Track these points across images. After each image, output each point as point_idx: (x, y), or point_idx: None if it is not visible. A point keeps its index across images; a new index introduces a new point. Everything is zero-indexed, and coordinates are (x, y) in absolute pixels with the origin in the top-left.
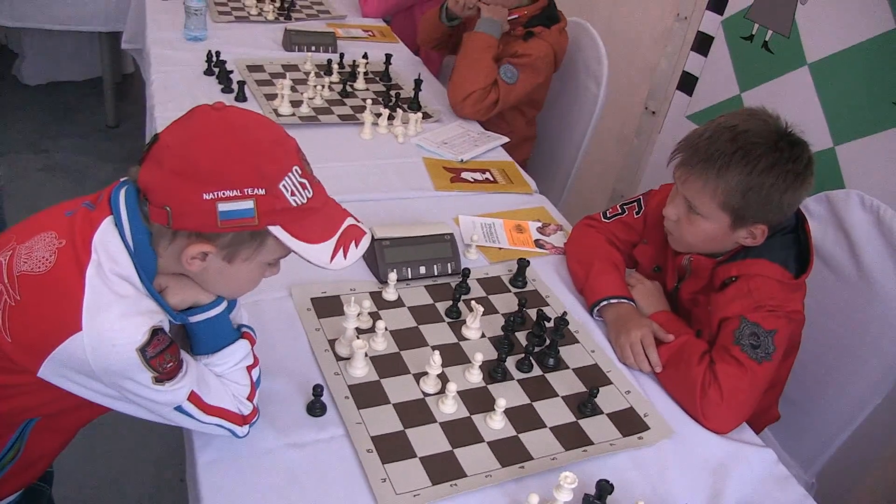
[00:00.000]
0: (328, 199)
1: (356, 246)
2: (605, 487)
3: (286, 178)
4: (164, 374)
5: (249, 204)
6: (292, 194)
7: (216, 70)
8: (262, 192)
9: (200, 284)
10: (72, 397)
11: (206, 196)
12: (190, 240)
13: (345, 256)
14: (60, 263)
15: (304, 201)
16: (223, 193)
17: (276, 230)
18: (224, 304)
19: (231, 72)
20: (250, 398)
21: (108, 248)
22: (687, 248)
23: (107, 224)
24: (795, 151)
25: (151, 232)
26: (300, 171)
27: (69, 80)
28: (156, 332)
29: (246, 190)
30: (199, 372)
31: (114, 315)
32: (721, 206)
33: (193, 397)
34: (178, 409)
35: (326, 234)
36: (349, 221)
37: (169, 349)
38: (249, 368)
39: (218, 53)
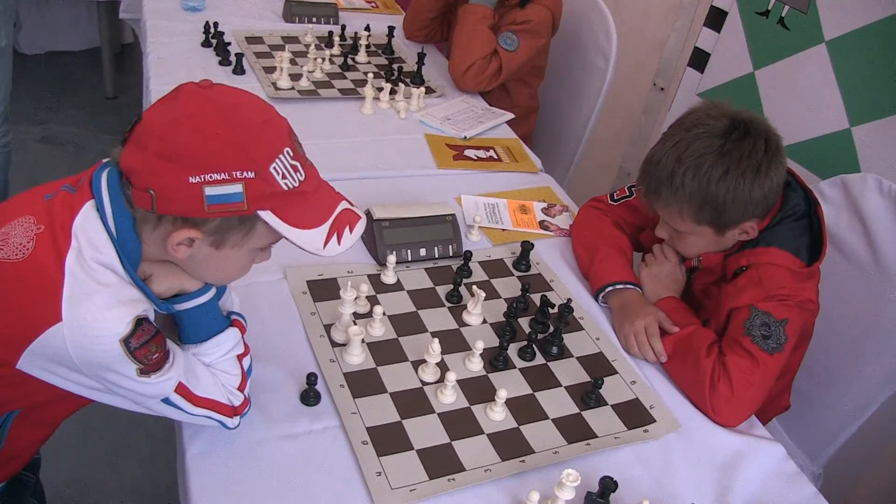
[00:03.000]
0: (321, 182)
1: (350, 231)
2: (608, 485)
3: (277, 161)
4: (150, 365)
5: (238, 188)
6: (283, 178)
7: (214, 42)
8: (251, 175)
9: (187, 271)
10: (53, 389)
11: (192, 180)
12: (175, 225)
13: (339, 242)
14: (39, 250)
15: (296, 185)
16: (210, 177)
17: (266, 215)
18: (212, 292)
19: (229, 44)
20: (241, 388)
21: (89, 234)
22: (691, 255)
23: (88, 209)
24: (746, 146)
25: (135, 217)
26: (292, 153)
27: (67, 50)
28: (140, 321)
29: (234, 173)
30: (187, 362)
31: (95, 305)
32: (695, 222)
33: (181, 389)
34: (166, 400)
35: (319, 219)
36: (343, 206)
37: (154, 339)
38: (240, 357)
39: (216, 24)
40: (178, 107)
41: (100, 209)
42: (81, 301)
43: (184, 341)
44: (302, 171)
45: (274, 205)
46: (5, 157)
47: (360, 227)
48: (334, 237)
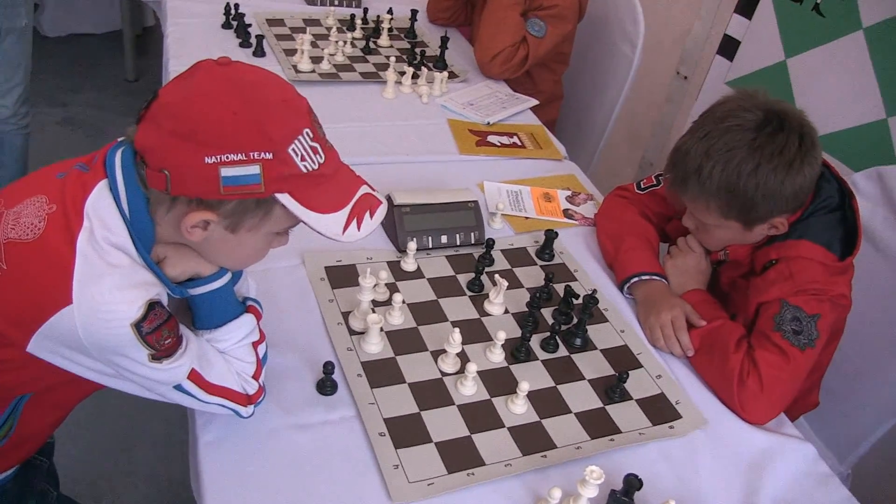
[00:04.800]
0: (341, 165)
1: (371, 217)
2: (632, 483)
3: (296, 142)
4: (162, 350)
5: (255, 169)
6: (302, 159)
7: (234, 23)
8: (269, 156)
9: (202, 255)
10: (64, 373)
11: (207, 160)
12: (190, 207)
13: (358, 228)
14: (50, 231)
15: (316, 167)
16: (227, 157)
17: (283, 198)
18: (228, 276)
19: (250, 25)
20: (256, 376)
21: (102, 214)
22: (716, 248)
23: (101, 188)
24: (779, 140)
25: (149, 197)
26: (311, 135)
27: (89, 32)
28: (152, 305)
29: (252, 154)
30: (200, 348)
31: (106, 287)
32: (723, 216)
33: (194, 375)
34: (178, 387)
35: (339, 203)
36: (364, 189)
37: (167, 324)
38: (255, 345)
39: (237, 6)
40: (195, 84)
41: (113, 189)
42: (92, 283)
43: (198, 327)
44: (322, 153)
45: (292, 187)
46: (24, 139)
47: (381, 212)
48: (354, 222)
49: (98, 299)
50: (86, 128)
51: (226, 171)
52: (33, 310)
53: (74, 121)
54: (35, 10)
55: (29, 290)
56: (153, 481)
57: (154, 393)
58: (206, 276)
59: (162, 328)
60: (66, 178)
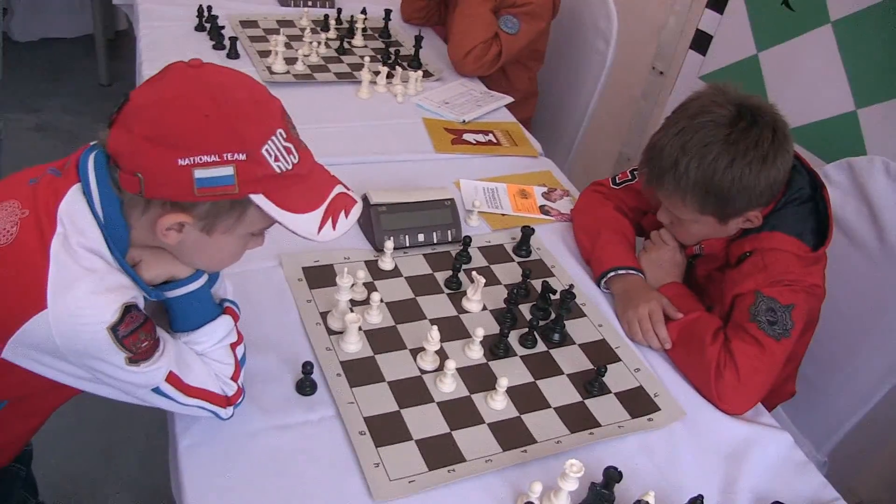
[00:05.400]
0: (315, 165)
1: (346, 216)
2: (612, 476)
3: (269, 143)
4: (139, 354)
5: (229, 170)
6: (276, 160)
7: (207, 26)
8: (242, 157)
9: (177, 257)
10: (42, 379)
11: (180, 162)
12: (164, 209)
13: (333, 227)
14: (23, 236)
15: (290, 167)
16: (199, 159)
17: (258, 199)
18: (204, 278)
19: (223, 27)
20: (234, 378)
21: (75, 218)
22: (691, 243)
23: (74, 192)
24: (753, 135)
25: (123, 200)
26: (285, 135)
27: (60, 36)
28: (128, 308)
29: (225, 155)
30: (178, 351)
31: (81, 292)
32: (699, 211)
33: (172, 378)
34: (157, 390)
35: (314, 203)
36: (339, 189)
37: (143, 327)
38: (233, 346)
39: (210, 8)
40: (166, 87)
41: (86, 193)
42: (67, 287)
43: (175, 329)
44: (296, 154)
45: (266, 188)
46: None
47: (356, 211)
48: (329, 222)
49: (73, 304)
50: (60, 133)
51: (199, 173)
52: (7, 316)
53: (48, 126)
54: (4, 16)
55: (3, 297)
56: (134, 489)
57: (132, 396)
58: (182, 279)
59: (139, 331)
60: (39, 184)
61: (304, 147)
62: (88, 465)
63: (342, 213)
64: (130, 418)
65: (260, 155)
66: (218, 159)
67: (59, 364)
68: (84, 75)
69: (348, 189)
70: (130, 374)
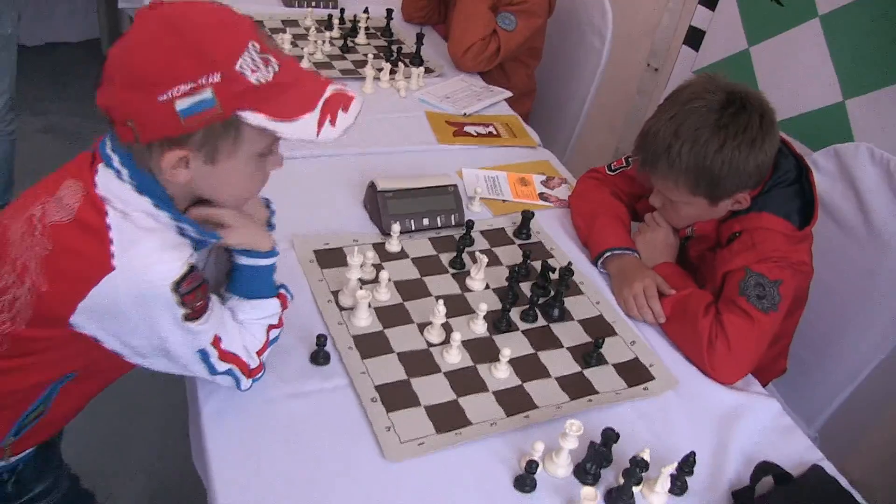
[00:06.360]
0: (302, 72)
1: (345, 112)
2: (610, 436)
3: (242, 58)
4: (194, 312)
5: (208, 93)
6: (253, 73)
7: None
8: (217, 77)
9: (203, 197)
10: (99, 354)
11: (160, 98)
12: (163, 149)
13: (333, 126)
14: (83, 209)
15: (270, 77)
16: (177, 90)
17: (246, 114)
18: (275, 259)
19: None
20: (259, 353)
21: (112, 189)
22: (682, 225)
23: (101, 170)
24: (742, 120)
25: (132, 155)
26: (258, 46)
27: (66, 41)
28: (192, 268)
29: (200, 80)
30: (221, 315)
31: (147, 249)
32: (691, 193)
33: (216, 340)
34: (201, 352)
35: (306, 107)
36: (332, 89)
37: (200, 287)
38: (270, 327)
39: None
40: (132, 34)
41: (111, 166)
42: (132, 246)
43: (230, 290)
44: (275, 63)
45: (250, 102)
46: (10, 144)
47: (356, 106)
48: (327, 122)
49: (139, 261)
50: (67, 135)
51: (180, 104)
52: (78, 283)
53: (56, 128)
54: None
55: (73, 265)
56: (149, 476)
57: (175, 360)
58: (260, 251)
59: (196, 290)
60: (82, 166)
61: (286, 56)
62: (104, 457)
63: (340, 111)
64: (143, 408)
65: (234, 72)
66: (194, 86)
67: (119, 327)
68: (89, 79)
69: (344, 89)
70: (184, 331)
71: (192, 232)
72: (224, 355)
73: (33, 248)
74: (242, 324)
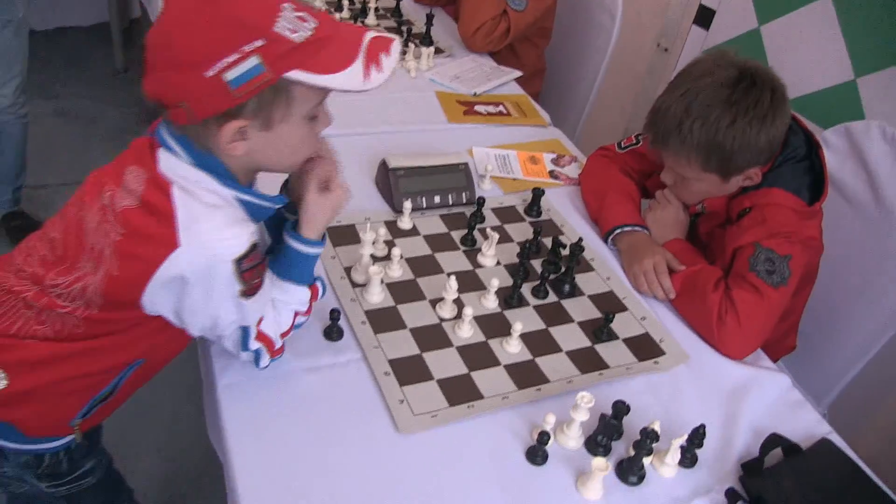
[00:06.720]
0: (338, 24)
1: (387, 55)
2: (620, 408)
3: (280, 19)
4: (250, 289)
5: (255, 60)
6: (293, 32)
7: None
8: (260, 42)
9: (261, 167)
10: (162, 338)
11: (207, 73)
12: (220, 125)
13: (378, 70)
14: (149, 191)
15: (310, 33)
16: (222, 62)
17: (295, 74)
18: (321, 249)
19: None
20: (282, 335)
21: (174, 169)
22: (693, 202)
23: (162, 153)
24: (753, 95)
25: (187, 136)
26: (293, 6)
27: (76, 25)
28: (254, 245)
29: (243, 48)
30: (267, 298)
31: (211, 224)
32: (703, 170)
33: (259, 321)
34: (244, 328)
35: (350, 57)
36: (370, 35)
37: (260, 266)
38: (298, 314)
39: None
40: (166, 16)
41: (170, 149)
42: (196, 222)
43: (270, 268)
44: (312, 20)
45: (297, 61)
46: (23, 128)
47: (396, 48)
48: (373, 67)
49: (204, 236)
50: (79, 119)
51: (229, 75)
52: (148, 263)
53: (67, 112)
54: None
55: (142, 247)
56: (162, 455)
57: (214, 333)
58: (312, 240)
59: (255, 269)
60: (143, 152)
61: (321, 11)
62: (118, 438)
63: (382, 55)
64: (153, 390)
65: (275, 34)
66: (239, 55)
67: (181, 301)
68: (100, 63)
69: (380, 33)
70: (237, 305)
71: (255, 201)
72: (260, 336)
73: (108, 234)
74: (275, 304)
